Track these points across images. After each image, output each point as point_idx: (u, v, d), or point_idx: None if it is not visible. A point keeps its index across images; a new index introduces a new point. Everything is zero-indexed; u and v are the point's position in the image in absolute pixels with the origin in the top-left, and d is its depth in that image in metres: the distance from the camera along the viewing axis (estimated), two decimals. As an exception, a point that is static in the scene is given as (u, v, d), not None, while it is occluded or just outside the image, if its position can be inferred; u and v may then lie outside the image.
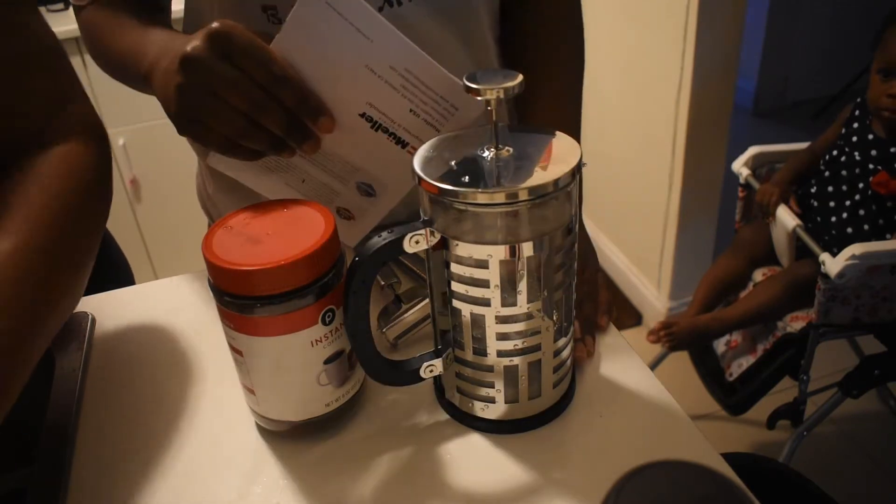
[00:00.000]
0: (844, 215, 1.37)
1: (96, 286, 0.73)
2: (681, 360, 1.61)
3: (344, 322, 0.49)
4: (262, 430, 0.55)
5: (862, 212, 1.35)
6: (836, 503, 0.71)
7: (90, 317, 0.68)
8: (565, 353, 0.53)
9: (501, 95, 0.44)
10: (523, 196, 0.43)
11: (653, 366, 1.61)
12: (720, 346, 1.56)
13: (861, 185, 1.35)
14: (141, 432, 0.56)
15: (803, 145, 1.53)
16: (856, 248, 1.20)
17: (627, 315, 2.08)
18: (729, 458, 0.50)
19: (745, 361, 1.47)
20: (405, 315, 0.62)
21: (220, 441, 0.55)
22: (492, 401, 0.52)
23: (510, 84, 0.44)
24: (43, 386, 0.62)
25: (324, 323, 0.49)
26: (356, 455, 0.53)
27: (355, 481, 0.51)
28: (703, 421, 1.71)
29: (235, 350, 0.50)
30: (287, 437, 0.54)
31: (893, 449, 1.65)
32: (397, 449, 0.53)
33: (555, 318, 0.50)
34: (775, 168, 1.54)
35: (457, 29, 0.68)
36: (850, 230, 1.36)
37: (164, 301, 0.72)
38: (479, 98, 0.45)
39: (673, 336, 1.46)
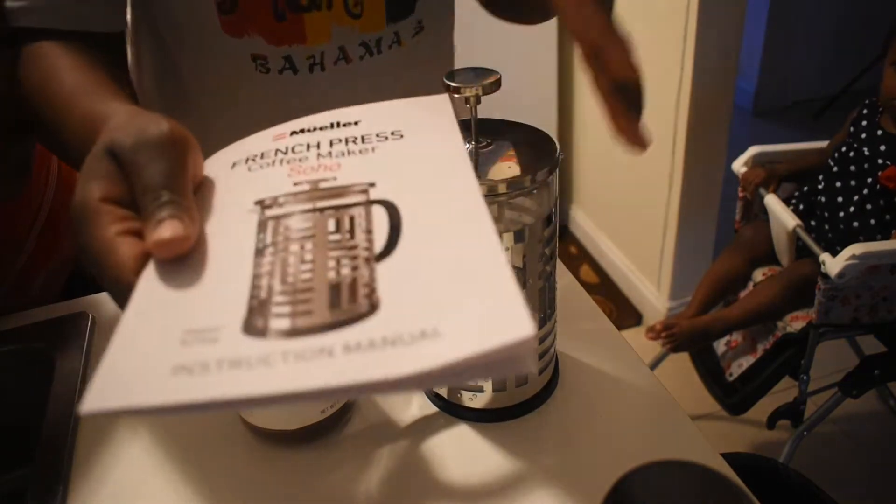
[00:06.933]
0: (852, 209, 1.37)
1: (97, 286, 0.73)
2: (681, 360, 1.61)
3: None
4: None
5: (869, 206, 1.35)
6: (836, 503, 0.71)
7: (90, 317, 0.68)
8: (548, 340, 0.55)
9: (480, 93, 0.44)
10: (502, 189, 0.45)
11: (653, 366, 1.61)
12: (720, 346, 1.56)
13: (869, 180, 1.35)
14: (140, 432, 0.56)
15: (803, 145, 1.53)
16: (856, 248, 1.20)
17: (627, 315, 2.08)
18: (729, 458, 0.50)
19: (745, 361, 1.47)
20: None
21: (219, 440, 0.55)
22: (480, 390, 0.53)
23: (488, 81, 0.44)
24: (43, 386, 0.62)
25: None
26: (346, 450, 0.53)
27: (347, 477, 0.51)
28: (703, 421, 1.71)
29: None
30: (281, 441, 0.54)
31: (893, 449, 1.65)
32: (388, 442, 0.53)
33: (538, 307, 0.51)
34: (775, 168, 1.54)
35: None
36: (856, 224, 1.36)
37: (164, 301, 0.72)
38: (457, 96, 0.45)
39: (674, 337, 1.46)
